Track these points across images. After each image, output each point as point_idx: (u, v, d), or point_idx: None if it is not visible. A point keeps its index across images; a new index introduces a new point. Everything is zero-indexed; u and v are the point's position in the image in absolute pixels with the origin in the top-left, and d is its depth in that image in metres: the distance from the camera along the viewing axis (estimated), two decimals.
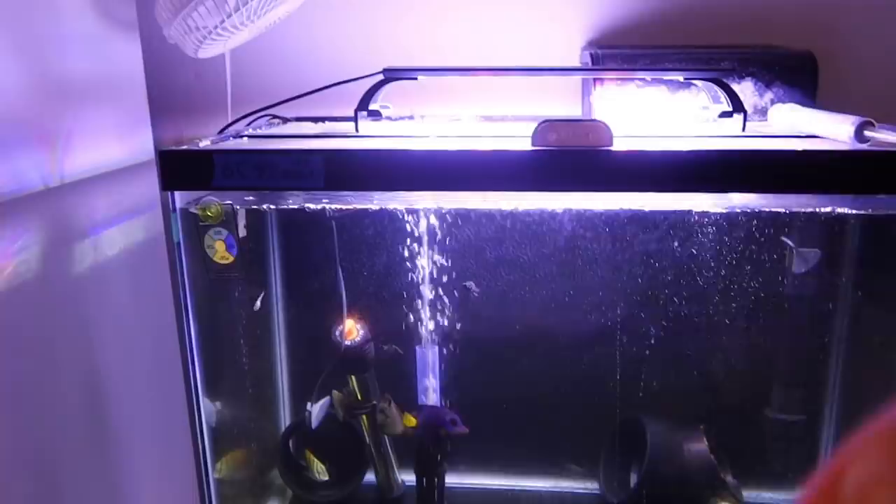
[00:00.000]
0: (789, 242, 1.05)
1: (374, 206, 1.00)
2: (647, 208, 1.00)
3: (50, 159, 0.98)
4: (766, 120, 1.03)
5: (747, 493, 1.16)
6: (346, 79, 1.00)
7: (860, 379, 1.12)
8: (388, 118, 1.03)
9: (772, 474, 1.19)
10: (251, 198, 0.94)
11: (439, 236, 1.09)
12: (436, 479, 1.11)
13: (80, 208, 1.03)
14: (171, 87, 1.24)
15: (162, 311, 1.20)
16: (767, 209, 0.92)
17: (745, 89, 1.05)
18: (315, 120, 1.12)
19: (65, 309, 0.98)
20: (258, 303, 1.12)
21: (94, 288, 1.04)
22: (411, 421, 1.08)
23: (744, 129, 0.93)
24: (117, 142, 1.13)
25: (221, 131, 1.03)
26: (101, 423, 1.04)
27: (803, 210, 0.86)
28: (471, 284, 1.09)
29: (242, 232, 0.93)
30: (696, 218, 1.01)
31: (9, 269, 0.89)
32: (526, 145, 0.81)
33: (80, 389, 1.00)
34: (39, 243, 0.94)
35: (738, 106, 0.94)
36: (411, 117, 1.14)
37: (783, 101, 1.03)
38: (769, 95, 1.06)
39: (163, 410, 1.20)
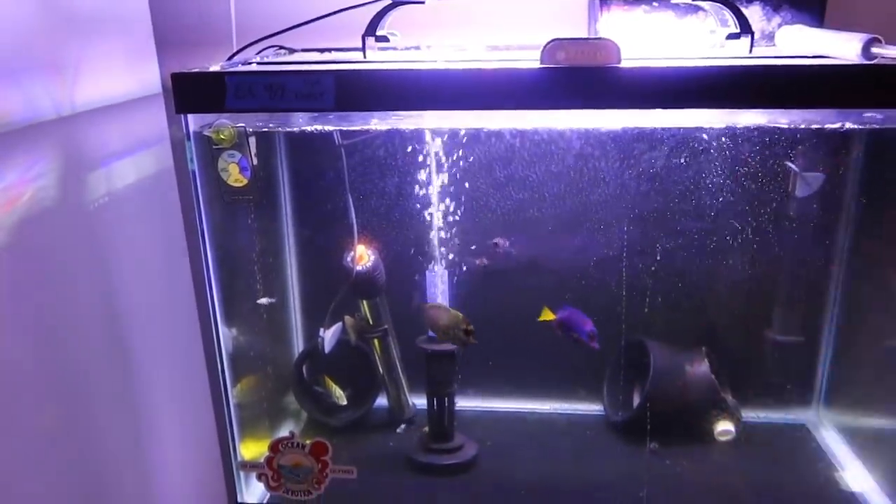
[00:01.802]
0: (793, 167, 1.07)
1: (384, 127, 1.00)
2: (654, 126, 1.00)
3: (61, 89, 0.99)
4: (774, 44, 1.03)
5: (746, 413, 1.21)
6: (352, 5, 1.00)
7: (859, 301, 1.15)
8: (394, 48, 1.03)
9: (770, 394, 1.23)
10: (261, 122, 0.95)
11: (449, 157, 1.09)
12: (446, 402, 1.15)
13: (93, 138, 1.04)
14: (175, 19, 1.24)
15: (173, 240, 1.23)
16: (775, 125, 0.93)
17: (753, 14, 1.05)
18: (321, 51, 1.12)
19: (82, 236, 1.00)
20: (265, 300, 1.13)
21: (109, 216, 1.06)
22: (549, 315, 1.09)
23: (751, 51, 0.93)
24: (125, 74, 1.14)
25: (230, 58, 1.03)
26: (120, 348, 1.07)
27: (811, 126, 0.87)
28: (500, 241, 1.10)
29: (254, 156, 0.94)
30: (704, 136, 1.01)
31: (28, 194, 0.91)
32: (535, 65, 0.81)
33: (99, 314, 1.03)
34: (55, 171, 0.95)
35: (745, 27, 0.94)
36: (417, 47, 1.13)
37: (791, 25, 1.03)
38: (777, 20, 1.05)
39: (178, 337, 1.23)
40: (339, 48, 1.10)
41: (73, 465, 0.95)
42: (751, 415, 1.23)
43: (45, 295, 0.91)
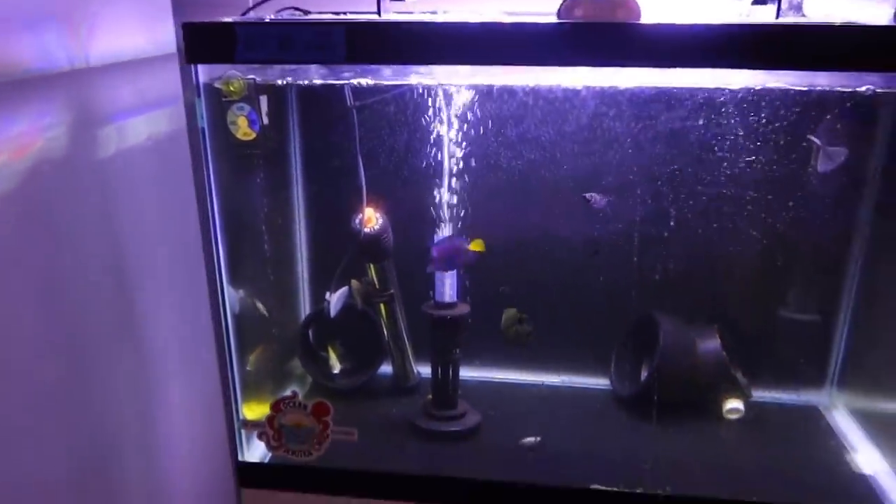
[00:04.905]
0: (816, 140, 1.04)
1: (394, 83, 0.99)
2: (671, 86, 0.98)
3: (75, 40, 0.98)
4: (803, 14, 1.00)
5: (757, 392, 1.19)
6: None
7: (878, 280, 1.12)
8: (410, 12, 1.01)
9: (783, 374, 1.21)
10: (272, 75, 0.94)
11: (460, 115, 1.07)
12: (450, 369, 1.14)
13: (105, 93, 1.04)
14: None
15: (182, 199, 1.22)
16: (798, 88, 0.90)
17: None
18: (337, 13, 1.11)
19: (91, 190, 0.99)
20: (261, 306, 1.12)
21: (119, 172, 1.05)
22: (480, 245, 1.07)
23: (777, 18, 0.90)
24: (140, 31, 1.13)
25: (244, 14, 1.02)
26: (125, 304, 1.07)
27: (835, 90, 0.84)
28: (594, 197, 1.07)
29: (265, 110, 0.94)
30: (723, 98, 0.98)
31: (38, 144, 0.90)
32: (551, 20, 0.79)
33: (104, 269, 1.02)
34: (67, 123, 0.95)
35: None
36: (434, 12, 1.12)
37: None
38: None
39: (184, 295, 1.22)
40: (355, 12, 1.08)
41: (76, 422, 0.95)
42: (762, 394, 1.21)
43: (52, 245, 0.91)
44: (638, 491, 0.99)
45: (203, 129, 0.98)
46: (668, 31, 0.77)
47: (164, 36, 1.19)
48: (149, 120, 1.15)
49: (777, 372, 1.21)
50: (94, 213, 1.00)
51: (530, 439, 1.10)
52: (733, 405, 1.15)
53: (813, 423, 1.18)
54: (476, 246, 1.07)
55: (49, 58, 0.92)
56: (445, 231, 1.12)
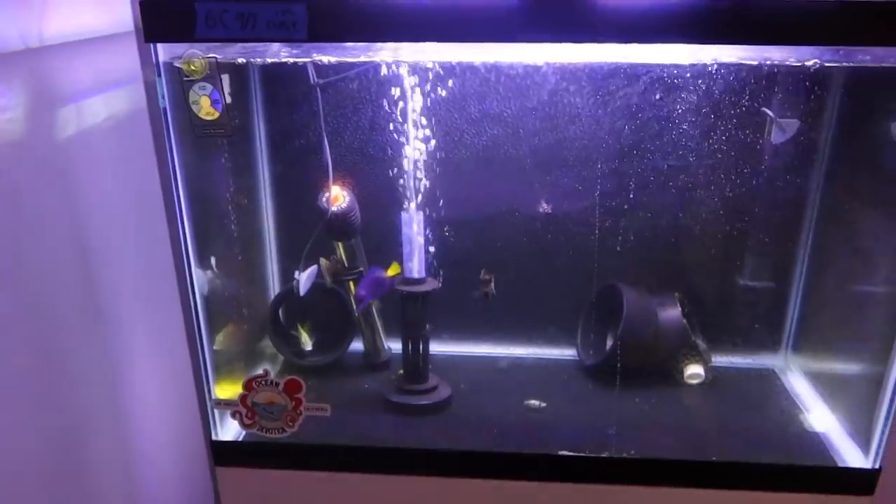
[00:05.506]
0: (769, 112, 1.07)
1: (357, 60, 0.99)
2: (630, 61, 1.00)
3: (28, 18, 0.96)
4: None
5: (716, 357, 1.23)
6: None
7: (828, 248, 1.16)
8: None
9: (740, 339, 1.26)
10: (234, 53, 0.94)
11: (424, 93, 1.08)
12: (420, 343, 1.16)
13: (63, 73, 1.02)
14: None
15: (146, 179, 1.21)
16: (749, 62, 0.92)
17: None
18: None
19: (53, 171, 0.98)
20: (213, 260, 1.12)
21: (80, 152, 1.04)
22: (396, 269, 1.13)
23: None
24: (95, 6, 1.10)
25: None
26: (92, 287, 1.06)
27: (788, 63, 0.87)
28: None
29: (227, 90, 0.93)
30: (680, 72, 1.01)
31: None
32: None
33: (69, 252, 1.01)
34: (23, 104, 0.93)
35: None
36: None
37: None
38: None
39: (151, 276, 1.22)
40: None
41: (49, 405, 0.94)
42: (721, 359, 1.25)
43: (15, 229, 0.90)
44: (604, 455, 1.03)
45: (165, 108, 0.97)
46: (624, 6, 0.79)
47: (120, 13, 1.17)
48: (108, 100, 1.13)
49: (735, 338, 1.25)
50: (56, 194, 0.98)
51: (535, 402, 1.13)
52: (694, 370, 1.19)
53: (769, 385, 1.23)
54: (393, 271, 1.12)
55: (1, 37, 0.90)
56: (412, 207, 1.13)
